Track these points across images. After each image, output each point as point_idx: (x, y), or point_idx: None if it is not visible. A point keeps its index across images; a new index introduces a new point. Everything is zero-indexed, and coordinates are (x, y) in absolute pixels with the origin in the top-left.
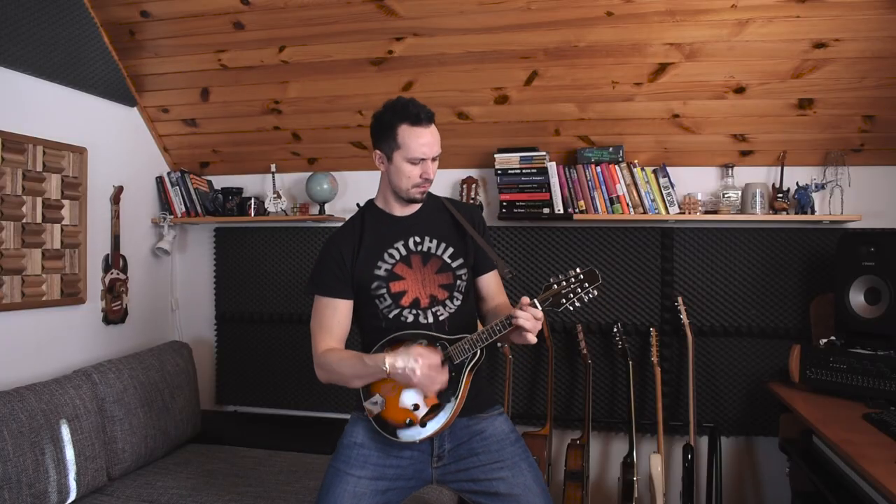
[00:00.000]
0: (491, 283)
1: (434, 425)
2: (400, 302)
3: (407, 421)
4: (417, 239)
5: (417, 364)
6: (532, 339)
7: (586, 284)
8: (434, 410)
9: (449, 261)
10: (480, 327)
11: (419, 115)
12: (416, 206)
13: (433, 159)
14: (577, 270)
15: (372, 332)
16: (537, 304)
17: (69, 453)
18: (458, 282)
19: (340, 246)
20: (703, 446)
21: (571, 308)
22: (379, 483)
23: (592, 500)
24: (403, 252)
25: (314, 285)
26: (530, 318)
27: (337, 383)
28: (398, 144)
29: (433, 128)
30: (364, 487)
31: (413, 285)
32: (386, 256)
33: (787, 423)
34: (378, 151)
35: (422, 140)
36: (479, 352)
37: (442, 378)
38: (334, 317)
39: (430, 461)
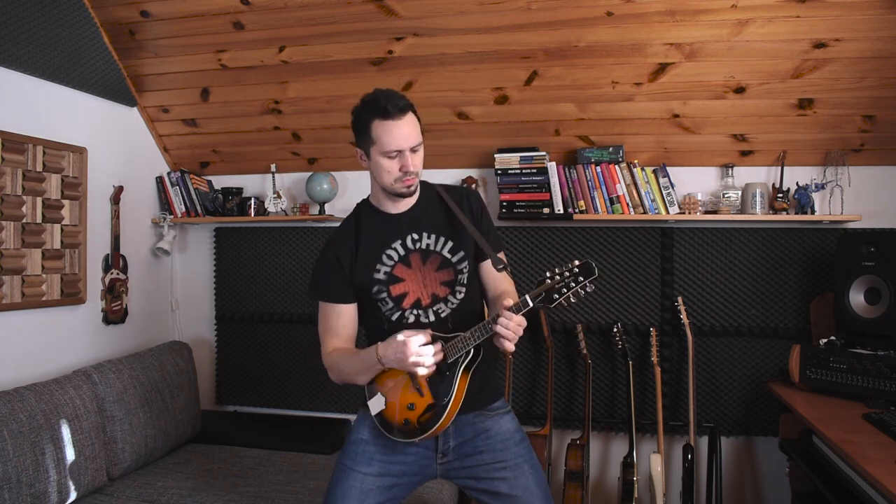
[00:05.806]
0: (493, 270)
1: (430, 426)
2: (402, 304)
3: (405, 421)
4: (415, 236)
5: (405, 342)
6: (509, 346)
7: (581, 278)
8: (429, 410)
9: (449, 255)
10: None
11: (387, 109)
12: (410, 201)
13: (412, 150)
14: (575, 263)
15: (376, 334)
16: (529, 302)
17: (69, 453)
18: (460, 276)
19: (337, 251)
20: (703, 446)
21: (566, 304)
22: (385, 479)
23: (592, 500)
24: (402, 252)
25: (316, 291)
26: (508, 325)
27: (347, 382)
28: (373, 140)
29: (408, 117)
30: (370, 484)
31: (414, 286)
32: (384, 258)
33: (787, 423)
34: (358, 149)
35: (395, 133)
36: (472, 350)
37: (434, 349)
38: (339, 321)
39: (435, 457)
